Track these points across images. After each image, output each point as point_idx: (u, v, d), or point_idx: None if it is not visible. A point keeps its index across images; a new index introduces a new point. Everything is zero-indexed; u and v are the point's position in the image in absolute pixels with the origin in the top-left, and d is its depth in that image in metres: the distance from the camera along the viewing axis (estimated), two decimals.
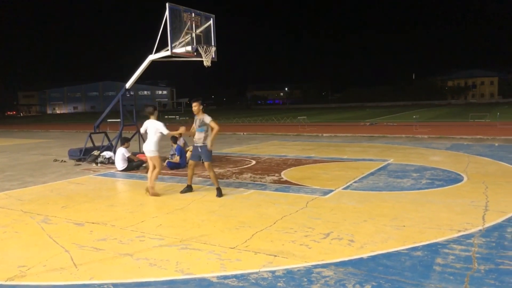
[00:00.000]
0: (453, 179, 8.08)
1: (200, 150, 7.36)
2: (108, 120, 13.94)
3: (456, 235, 4.81)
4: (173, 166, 10.34)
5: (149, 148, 7.51)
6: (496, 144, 13.60)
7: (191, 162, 7.59)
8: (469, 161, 10.23)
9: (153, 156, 7.52)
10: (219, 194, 7.19)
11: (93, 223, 5.81)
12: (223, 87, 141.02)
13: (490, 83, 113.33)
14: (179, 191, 7.60)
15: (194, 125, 7.46)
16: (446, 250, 4.34)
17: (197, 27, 10.97)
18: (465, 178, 8.08)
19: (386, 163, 10.27)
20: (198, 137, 7.34)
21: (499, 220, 5.31)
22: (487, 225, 5.15)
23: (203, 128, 7.33)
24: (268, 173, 9.36)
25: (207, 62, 10.81)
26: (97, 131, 13.05)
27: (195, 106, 7.30)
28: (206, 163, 7.35)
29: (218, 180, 7.52)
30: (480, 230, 4.95)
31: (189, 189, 7.59)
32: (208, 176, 7.74)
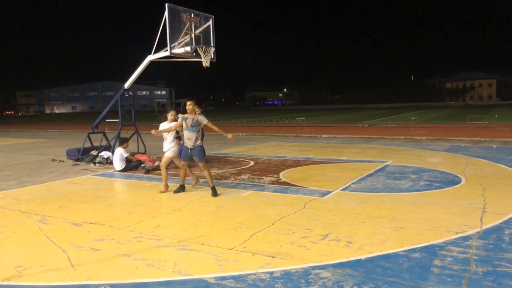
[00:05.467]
0: (451, 181, 8.09)
1: (190, 152, 7.33)
2: (106, 120, 13.90)
3: (454, 237, 4.81)
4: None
5: None
6: (494, 146, 13.63)
7: (183, 162, 7.55)
8: (467, 163, 10.24)
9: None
10: (214, 193, 7.20)
11: (90, 223, 5.79)
12: (222, 87, 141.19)
13: (489, 85, 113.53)
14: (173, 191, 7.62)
15: (173, 123, 7.37)
16: (444, 252, 4.34)
17: (196, 27, 10.97)
18: (463, 180, 8.09)
19: (384, 164, 10.28)
20: (189, 137, 7.28)
21: (497, 222, 5.31)
22: (485, 227, 5.15)
23: (195, 128, 7.28)
24: (267, 174, 9.36)
25: (206, 62, 10.81)
26: (96, 131, 13.03)
27: (190, 105, 7.27)
28: (200, 164, 7.35)
29: (216, 180, 7.50)
30: (478, 232, 4.95)
31: (181, 188, 7.63)
32: (205, 177, 7.73)
